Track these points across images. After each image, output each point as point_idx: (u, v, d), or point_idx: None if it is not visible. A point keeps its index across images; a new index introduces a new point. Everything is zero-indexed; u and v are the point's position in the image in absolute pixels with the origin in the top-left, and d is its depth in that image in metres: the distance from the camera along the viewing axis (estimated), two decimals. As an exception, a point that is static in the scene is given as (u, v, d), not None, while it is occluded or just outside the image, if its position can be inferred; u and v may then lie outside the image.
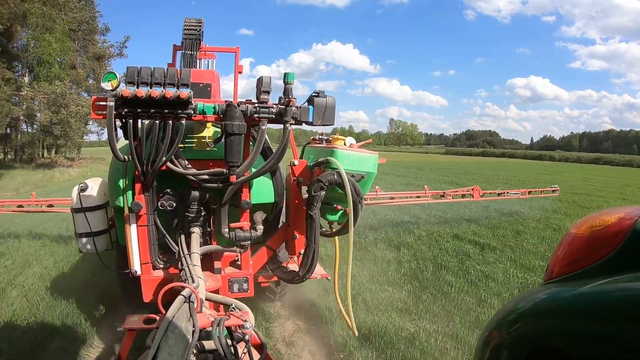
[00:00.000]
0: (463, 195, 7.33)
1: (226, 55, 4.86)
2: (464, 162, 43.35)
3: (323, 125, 2.52)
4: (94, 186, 2.85)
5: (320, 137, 2.71)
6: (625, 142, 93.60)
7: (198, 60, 4.22)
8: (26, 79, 21.64)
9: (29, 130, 23.85)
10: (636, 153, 69.96)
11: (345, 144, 2.56)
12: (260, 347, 1.80)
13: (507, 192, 7.73)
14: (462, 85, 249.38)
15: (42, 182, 15.83)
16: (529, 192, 7.98)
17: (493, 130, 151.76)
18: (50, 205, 5.75)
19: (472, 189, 7.20)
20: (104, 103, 2.15)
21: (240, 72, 4.78)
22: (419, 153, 74.43)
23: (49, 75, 21.06)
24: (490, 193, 7.81)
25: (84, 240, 2.86)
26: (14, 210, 5.74)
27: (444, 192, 7.19)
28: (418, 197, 7.12)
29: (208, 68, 4.40)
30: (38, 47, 20.50)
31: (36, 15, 17.91)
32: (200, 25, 4.25)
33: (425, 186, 7.26)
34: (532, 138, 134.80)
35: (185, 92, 2.12)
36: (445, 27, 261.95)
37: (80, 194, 2.79)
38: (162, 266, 2.57)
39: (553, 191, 8.09)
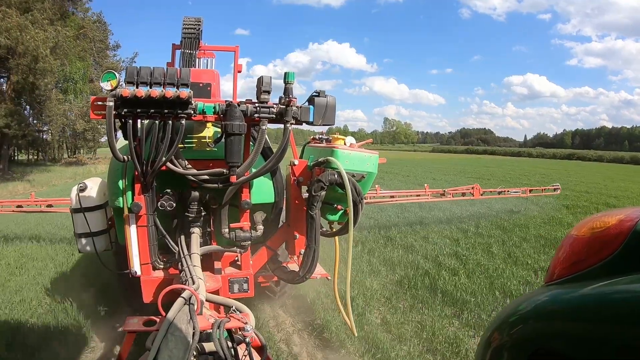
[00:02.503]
0: (463, 194, 7.31)
1: (223, 55, 4.84)
2: (438, 159, 43.84)
3: (323, 125, 2.51)
4: (93, 186, 2.84)
5: (321, 136, 2.70)
6: (617, 139, 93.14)
7: (197, 60, 4.21)
8: (53, 91, 24.17)
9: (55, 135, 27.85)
10: (627, 150, 69.61)
11: (345, 144, 2.55)
12: (261, 350, 1.80)
13: (508, 191, 7.71)
14: (459, 84, 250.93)
15: (84, 174, 19.75)
16: (530, 191, 7.98)
17: (489, 128, 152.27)
18: (50, 206, 5.73)
19: (472, 188, 7.19)
20: (103, 103, 2.14)
21: (240, 71, 4.76)
22: (408, 151, 74.45)
23: (75, 89, 25.92)
24: (491, 191, 7.79)
25: (84, 240, 2.85)
26: (13, 211, 5.71)
27: (444, 191, 7.17)
28: (418, 195, 7.10)
29: (207, 67, 4.39)
30: (67, 65, 23.55)
31: (72, 47, 22.47)
32: (199, 24, 4.24)
33: (425, 185, 7.25)
34: (525, 136, 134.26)
35: (185, 92, 2.11)
36: (441, 25, 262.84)
37: (80, 194, 2.78)
38: (162, 267, 2.56)
39: (554, 189, 8.09)
